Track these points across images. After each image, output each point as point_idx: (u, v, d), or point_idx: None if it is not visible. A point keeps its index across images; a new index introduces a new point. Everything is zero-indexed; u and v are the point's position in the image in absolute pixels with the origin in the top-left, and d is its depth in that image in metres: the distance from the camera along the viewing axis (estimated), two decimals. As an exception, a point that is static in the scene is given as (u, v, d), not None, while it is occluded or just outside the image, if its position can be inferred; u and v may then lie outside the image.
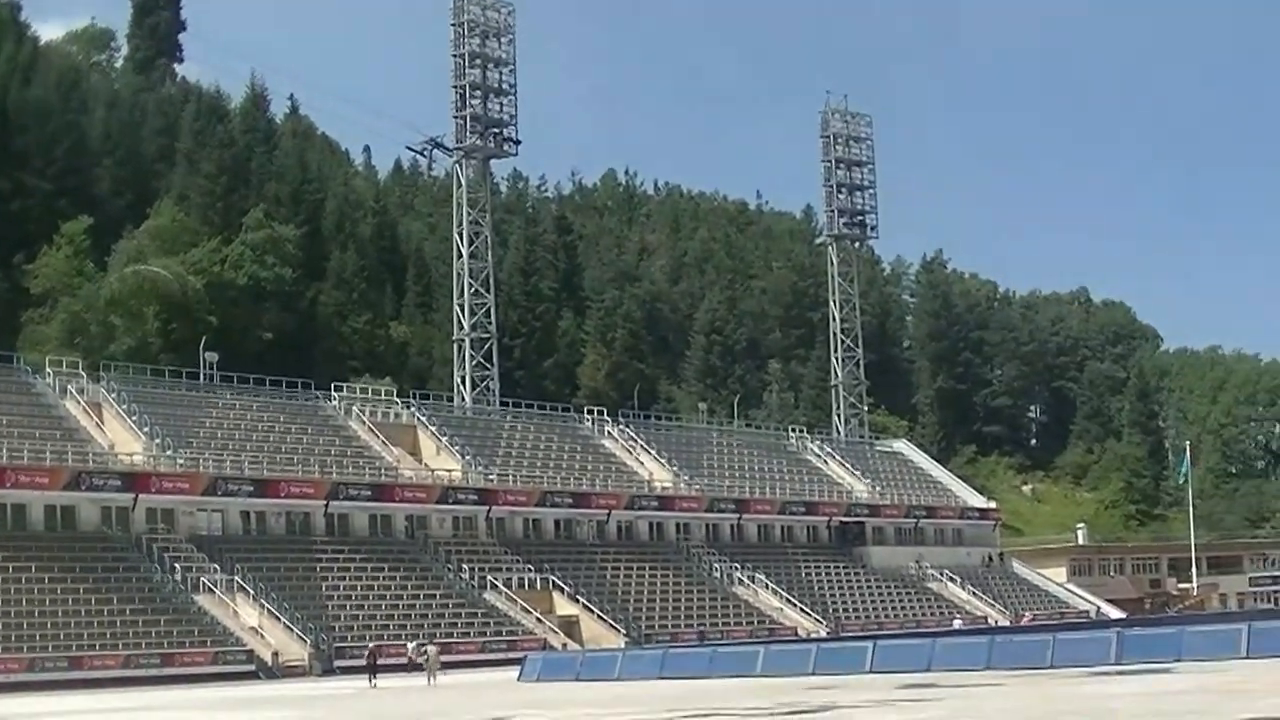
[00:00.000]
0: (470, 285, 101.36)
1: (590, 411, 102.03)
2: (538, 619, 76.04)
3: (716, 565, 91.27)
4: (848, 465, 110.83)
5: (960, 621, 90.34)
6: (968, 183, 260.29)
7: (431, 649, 55.37)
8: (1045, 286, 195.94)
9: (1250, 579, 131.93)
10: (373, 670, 54.44)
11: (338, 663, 65.65)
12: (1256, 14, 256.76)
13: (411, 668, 56.61)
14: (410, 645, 60.36)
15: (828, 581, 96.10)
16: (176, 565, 68.99)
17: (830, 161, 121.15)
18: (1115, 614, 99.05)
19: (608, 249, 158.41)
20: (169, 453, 73.99)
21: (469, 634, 72.95)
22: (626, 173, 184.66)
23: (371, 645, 60.89)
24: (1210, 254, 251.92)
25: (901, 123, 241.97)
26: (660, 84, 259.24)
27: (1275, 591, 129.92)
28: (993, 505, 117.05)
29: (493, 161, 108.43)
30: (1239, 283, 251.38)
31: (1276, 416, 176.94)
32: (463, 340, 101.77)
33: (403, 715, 35.99)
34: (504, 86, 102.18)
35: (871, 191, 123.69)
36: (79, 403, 76.39)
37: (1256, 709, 23.19)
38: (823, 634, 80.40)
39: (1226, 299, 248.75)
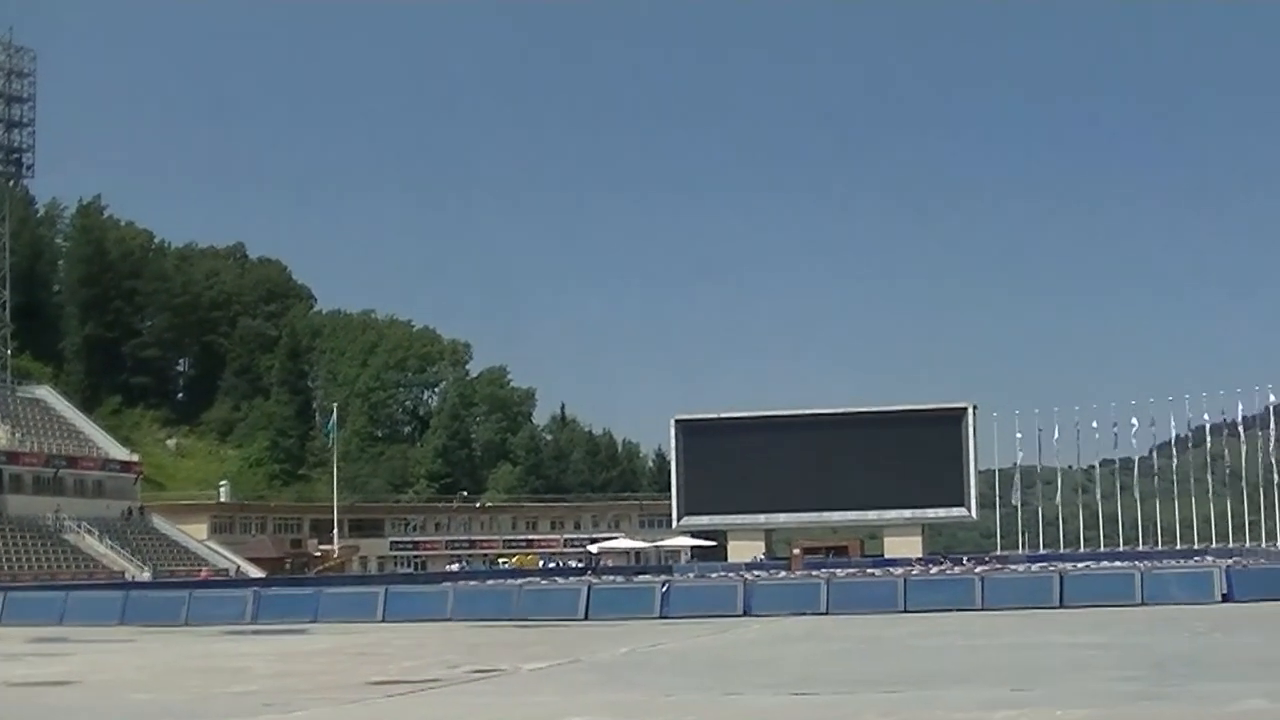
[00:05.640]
0: None
1: None
2: None
3: None
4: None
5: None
6: (132, 130, 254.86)
7: None
8: (203, 240, 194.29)
9: (391, 543, 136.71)
10: None
11: None
12: None
13: None
14: None
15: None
16: None
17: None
18: (256, 573, 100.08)
19: None
20: None
21: None
22: None
23: None
24: (372, 221, 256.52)
25: (69, 63, 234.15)
26: None
27: (415, 555, 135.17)
28: (135, 458, 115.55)
29: None
30: (396, 247, 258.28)
31: (424, 383, 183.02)
32: None
33: None
34: None
35: (30, 129, 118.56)
36: None
37: (388, 672, 23.86)
38: (-48, 586, 77.48)
39: (380, 263, 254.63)
